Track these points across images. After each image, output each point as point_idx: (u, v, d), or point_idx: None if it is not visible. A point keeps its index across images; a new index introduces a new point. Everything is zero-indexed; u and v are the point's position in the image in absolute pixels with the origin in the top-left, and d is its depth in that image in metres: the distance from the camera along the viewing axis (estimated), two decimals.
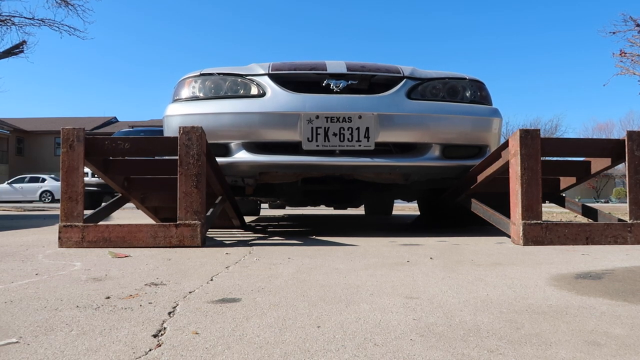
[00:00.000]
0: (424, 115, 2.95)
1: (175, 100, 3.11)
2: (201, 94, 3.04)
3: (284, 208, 10.10)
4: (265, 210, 8.98)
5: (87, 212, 2.61)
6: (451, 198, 3.33)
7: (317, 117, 2.85)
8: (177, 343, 0.88)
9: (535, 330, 0.97)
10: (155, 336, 0.92)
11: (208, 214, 2.64)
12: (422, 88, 3.08)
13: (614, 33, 15.39)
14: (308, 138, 2.85)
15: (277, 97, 2.92)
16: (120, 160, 2.99)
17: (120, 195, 3.15)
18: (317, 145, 2.86)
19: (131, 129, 11.60)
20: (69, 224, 2.32)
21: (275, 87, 2.96)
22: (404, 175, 3.10)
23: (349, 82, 3.00)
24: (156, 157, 3.11)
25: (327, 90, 2.98)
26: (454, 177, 3.14)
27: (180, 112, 2.99)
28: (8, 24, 13.33)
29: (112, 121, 39.36)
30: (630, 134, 2.55)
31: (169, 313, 1.09)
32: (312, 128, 2.85)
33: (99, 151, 2.52)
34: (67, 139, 2.40)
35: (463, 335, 0.94)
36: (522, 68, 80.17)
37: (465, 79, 3.18)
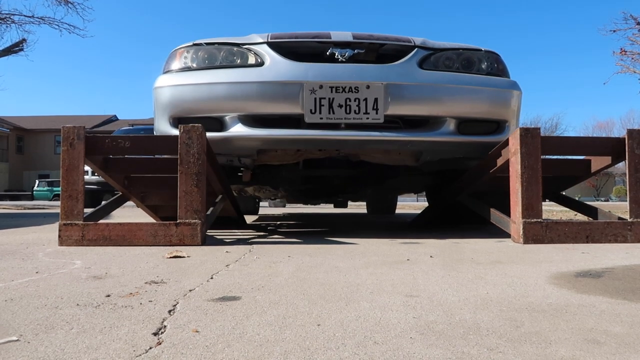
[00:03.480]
0: (437, 85, 2.73)
1: (165, 72, 2.86)
2: (194, 65, 2.80)
3: (284, 206, 10.12)
4: (265, 209, 8.99)
5: (88, 211, 2.62)
6: (452, 196, 3.32)
7: (321, 86, 2.60)
8: (178, 341, 0.88)
9: (535, 328, 0.97)
10: (155, 334, 0.92)
11: (208, 212, 2.64)
12: (435, 58, 2.85)
13: (614, 31, 15.43)
14: (311, 110, 2.61)
15: (277, 66, 2.69)
16: (120, 158, 2.99)
17: (121, 193, 3.15)
18: (321, 118, 2.62)
19: (131, 127, 11.57)
20: (69, 222, 2.32)
21: (275, 56, 2.72)
22: (416, 153, 2.89)
23: (355, 51, 2.77)
24: (156, 156, 3.10)
25: (332, 60, 2.76)
26: (470, 156, 2.91)
27: (170, 83, 2.76)
28: (8, 22, 13.35)
29: (113, 119, 39.37)
30: (631, 132, 2.55)
31: (169, 311, 1.09)
32: (315, 99, 2.60)
33: (100, 149, 2.52)
34: (67, 137, 2.40)
35: (463, 333, 0.94)
36: (522, 66, 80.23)
37: (481, 50, 2.97)
